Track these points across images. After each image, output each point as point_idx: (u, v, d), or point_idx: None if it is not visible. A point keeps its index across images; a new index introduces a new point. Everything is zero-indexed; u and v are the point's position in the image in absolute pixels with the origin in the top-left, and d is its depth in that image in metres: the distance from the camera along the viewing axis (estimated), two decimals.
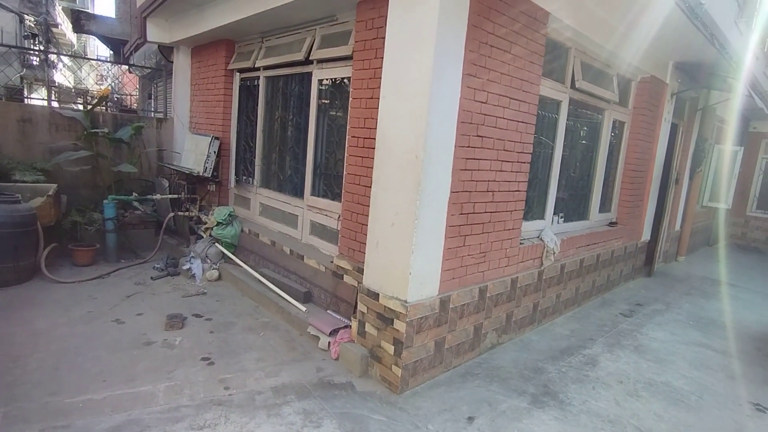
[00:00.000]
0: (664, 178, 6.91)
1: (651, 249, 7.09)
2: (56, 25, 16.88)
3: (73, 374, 3.13)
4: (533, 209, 4.63)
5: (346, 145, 4.00)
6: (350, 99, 3.92)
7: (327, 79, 4.56)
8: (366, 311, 3.46)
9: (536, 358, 3.97)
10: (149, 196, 6.23)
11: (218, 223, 5.56)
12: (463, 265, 3.55)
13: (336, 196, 4.40)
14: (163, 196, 6.11)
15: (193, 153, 6.14)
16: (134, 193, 6.29)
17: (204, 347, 3.68)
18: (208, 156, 5.81)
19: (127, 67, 10.63)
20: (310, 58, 4.59)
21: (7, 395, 2.83)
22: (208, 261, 5.42)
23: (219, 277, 5.30)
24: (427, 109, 2.94)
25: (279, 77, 5.30)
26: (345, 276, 4.01)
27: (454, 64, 3.07)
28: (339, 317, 3.99)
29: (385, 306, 3.28)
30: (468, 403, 3.17)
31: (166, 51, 7.56)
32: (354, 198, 3.87)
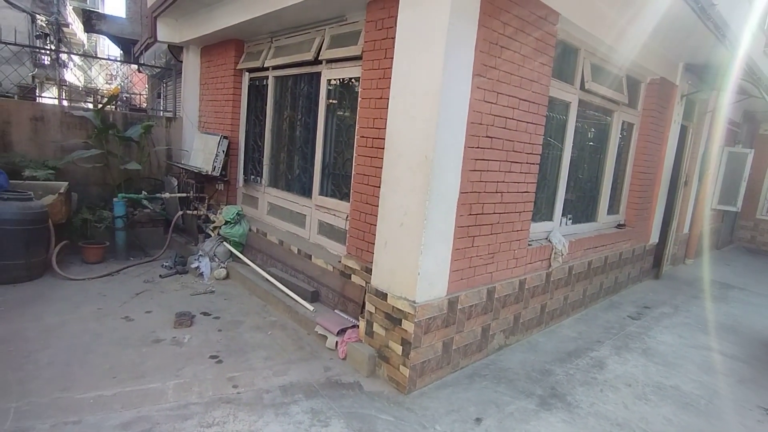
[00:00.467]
0: (673, 181, 6.86)
1: (659, 251, 7.04)
2: (67, 25, 17.04)
3: (84, 370, 3.16)
4: (541, 210, 4.61)
5: (355, 145, 4.01)
6: (359, 99, 3.93)
7: (336, 79, 4.58)
8: (374, 311, 3.47)
9: (544, 360, 3.95)
10: (158, 195, 6.27)
11: (226, 222, 5.59)
12: (472, 266, 3.55)
13: (344, 196, 4.41)
14: (172, 195, 6.15)
15: (201, 152, 6.18)
16: (143, 192, 6.34)
17: (212, 345, 3.70)
18: (216, 155, 5.84)
19: (136, 66, 10.72)
20: (319, 58, 4.61)
21: (19, 390, 2.86)
22: (217, 259, 5.45)
23: (227, 276, 5.33)
24: (437, 110, 2.94)
25: (288, 77, 5.33)
26: (353, 276, 4.02)
27: (465, 65, 3.07)
28: (347, 317, 4.00)
29: (393, 306, 3.29)
30: (475, 404, 3.17)
31: (175, 50, 7.61)
32: (362, 198, 3.88)
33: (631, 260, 6.22)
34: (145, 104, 13.17)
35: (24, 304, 4.15)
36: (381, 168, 3.46)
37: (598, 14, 4.15)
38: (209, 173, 5.81)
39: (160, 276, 5.21)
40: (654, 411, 3.32)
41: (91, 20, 12.25)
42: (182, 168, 6.42)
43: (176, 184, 6.36)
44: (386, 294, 3.34)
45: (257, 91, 5.91)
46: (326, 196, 4.72)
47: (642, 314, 5.40)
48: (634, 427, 3.08)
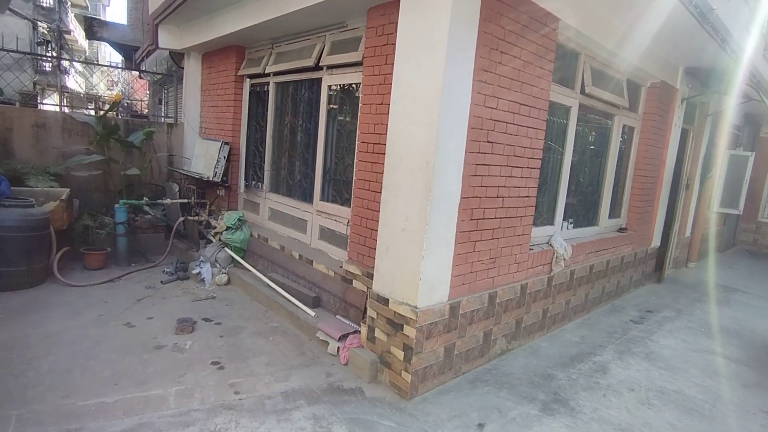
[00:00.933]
0: (675, 184, 6.86)
1: (661, 255, 7.03)
2: (69, 32, 17.14)
3: (85, 377, 3.15)
4: (543, 215, 4.61)
5: (356, 151, 4.02)
6: (360, 104, 3.95)
7: (336, 85, 4.59)
8: (375, 317, 3.46)
9: (546, 365, 3.94)
10: (159, 201, 6.28)
11: (228, 228, 5.60)
12: (473, 270, 3.54)
13: (345, 202, 4.41)
14: (173, 201, 6.17)
15: (203, 158, 6.19)
16: (145, 198, 6.35)
17: (214, 351, 3.70)
18: (217, 161, 5.85)
19: (138, 73, 10.76)
20: (320, 64, 4.63)
21: (21, 398, 2.86)
22: (218, 265, 5.45)
23: (228, 282, 5.33)
24: (437, 115, 2.95)
25: (289, 83, 5.34)
26: (354, 281, 4.01)
27: (465, 70, 3.07)
28: (348, 322, 3.99)
29: (394, 311, 3.28)
30: (478, 410, 3.16)
31: (177, 57, 7.64)
32: (363, 203, 3.88)
33: (633, 264, 6.20)
34: (147, 110, 13.20)
35: (25, 311, 4.15)
36: (382, 173, 3.46)
37: (599, 19, 4.16)
38: (210, 179, 5.82)
39: (162, 282, 5.21)
40: (657, 416, 3.30)
41: (93, 27, 12.31)
42: (183, 174, 6.44)
43: (177, 190, 6.38)
44: (388, 299, 3.34)
45: (258, 97, 5.93)
46: (327, 201, 4.72)
47: (644, 318, 5.38)
48: None
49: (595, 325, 5.04)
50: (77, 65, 17.84)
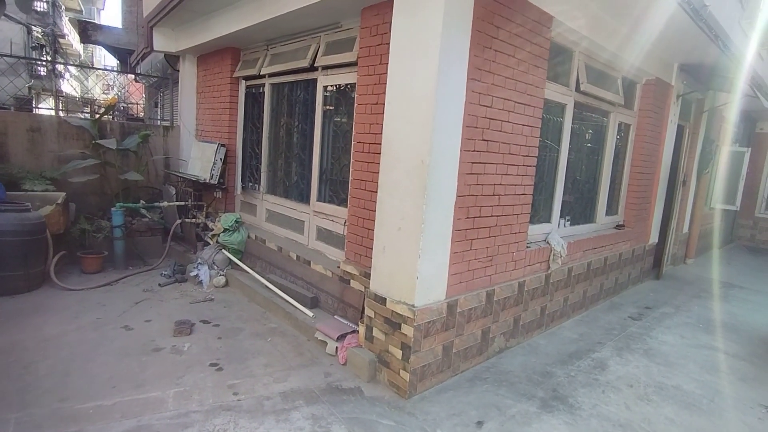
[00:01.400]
0: (671, 181, 6.88)
1: (659, 252, 7.04)
2: (63, 36, 17.10)
3: (83, 380, 3.14)
4: (540, 213, 4.62)
5: (352, 151, 4.02)
6: (355, 105, 3.95)
7: (332, 86, 4.59)
8: (373, 316, 3.47)
9: (545, 362, 3.94)
10: (156, 204, 6.27)
11: (225, 230, 5.59)
12: (470, 269, 3.55)
13: (342, 202, 4.42)
14: (170, 204, 6.15)
15: (199, 160, 6.18)
16: (141, 201, 6.34)
17: (212, 353, 3.69)
18: (214, 163, 5.85)
19: (133, 76, 10.75)
20: (315, 65, 4.63)
21: (19, 401, 2.85)
22: (215, 267, 5.44)
23: (226, 284, 5.32)
24: (432, 114, 2.95)
25: (284, 84, 5.34)
26: (352, 281, 4.01)
27: (459, 69, 3.08)
28: (346, 322, 3.99)
29: (392, 311, 3.28)
30: (477, 408, 3.16)
31: (172, 60, 7.64)
32: (360, 203, 3.88)
33: (630, 261, 6.22)
34: (143, 113, 13.18)
35: (23, 315, 4.14)
36: (378, 173, 3.46)
37: (593, 17, 4.17)
38: (207, 181, 5.82)
39: (159, 285, 5.20)
40: (656, 411, 3.31)
41: (87, 31, 12.28)
42: (180, 176, 6.43)
43: (174, 192, 6.36)
44: (385, 298, 3.34)
45: (254, 98, 5.93)
46: (324, 202, 4.72)
47: (643, 315, 5.39)
48: (636, 428, 3.07)
49: (594, 322, 5.05)
50: (72, 69, 17.79)
